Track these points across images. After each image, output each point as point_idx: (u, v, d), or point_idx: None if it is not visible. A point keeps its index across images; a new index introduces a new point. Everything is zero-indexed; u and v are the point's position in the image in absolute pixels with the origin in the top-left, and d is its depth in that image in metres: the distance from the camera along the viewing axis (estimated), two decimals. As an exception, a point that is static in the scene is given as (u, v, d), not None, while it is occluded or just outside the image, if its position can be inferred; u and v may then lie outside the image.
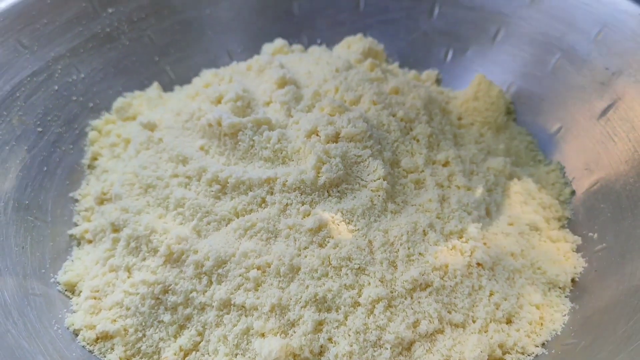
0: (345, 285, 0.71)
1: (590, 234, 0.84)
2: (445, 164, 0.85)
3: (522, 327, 0.74)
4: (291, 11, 1.15)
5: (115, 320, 0.74)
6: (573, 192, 0.90)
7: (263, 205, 0.78)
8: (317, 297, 0.70)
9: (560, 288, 0.79)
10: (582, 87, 0.94)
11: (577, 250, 0.83)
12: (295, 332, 0.70)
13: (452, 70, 1.12)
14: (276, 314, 0.70)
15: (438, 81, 1.12)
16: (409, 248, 0.74)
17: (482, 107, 0.98)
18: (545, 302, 0.77)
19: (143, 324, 0.73)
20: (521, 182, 0.90)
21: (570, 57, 0.96)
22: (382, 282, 0.71)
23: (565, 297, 0.78)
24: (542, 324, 0.75)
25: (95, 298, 0.77)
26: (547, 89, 0.99)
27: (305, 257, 0.73)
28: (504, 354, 0.72)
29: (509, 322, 0.74)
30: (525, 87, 1.02)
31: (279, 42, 1.10)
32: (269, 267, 0.72)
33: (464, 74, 1.10)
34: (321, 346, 0.69)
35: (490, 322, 0.73)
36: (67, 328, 0.75)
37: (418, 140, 0.87)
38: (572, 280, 0.80)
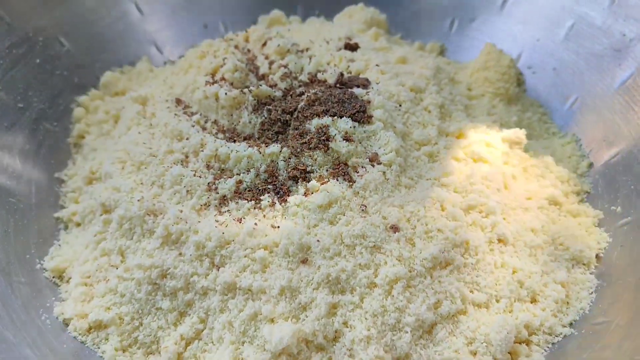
0: (360, 264, 0.66)
1: (613, 207, 0.79)
2: (459, 135, 0.80)
3: (548, 306, 0.69)
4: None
5: (109, 308, 0.68)
6: (591, 165, 0.86)
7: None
8: (330, 278, 0.65)
9: (584, 265, 0.74)
10: (598, 56, 0.89)
11: (599, 224, 0.79)
12: (307, 317, 0.64)
13: (458, 41, 1.07)
14: (286, 297, 0.64)
15: (442, 53, 1.07)
16: (426, 224, 0.68)
17: (493, 77, 0.93)
18: (570, 279, 0.72)
19: (140, 311, 0.68)
20: (536, 155, 0.85)
21: (584, 24, 0.92)
22: (399, 260, 0.66)
23: (590, 274, 0.74)
24: (568, 302, 0.70)
25: (86, 285, 0.71)
26: (560, 58, 0.94)
27: (316, 235, 0.67)
28: (530, 335, 0.67)
29: (533, 301, 0.70)
30: (537, 57, 0.98)
31: (276, 13, 1.04)
32: (277, 246, 0.67)
33: (471, 45, 1.05)
34: (336, 331, 0.64)
35: (515, 301, 0.68)
36: (57, 318, 0.69)
37: (429, 111, 0.81)
38: (597, 257, 0.75)
